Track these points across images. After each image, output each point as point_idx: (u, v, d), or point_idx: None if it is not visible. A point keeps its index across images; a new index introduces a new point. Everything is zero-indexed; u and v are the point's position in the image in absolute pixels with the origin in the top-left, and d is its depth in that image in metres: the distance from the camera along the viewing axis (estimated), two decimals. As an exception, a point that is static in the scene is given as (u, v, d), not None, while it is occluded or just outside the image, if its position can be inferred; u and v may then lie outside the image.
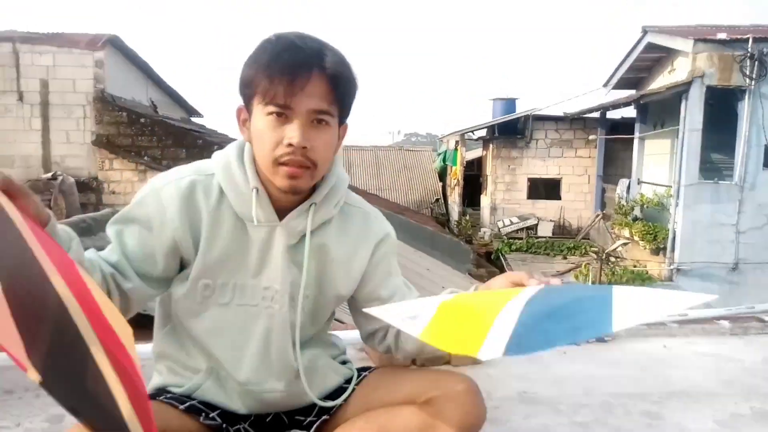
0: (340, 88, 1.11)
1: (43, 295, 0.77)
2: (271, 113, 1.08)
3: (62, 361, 0.76)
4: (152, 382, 1.32)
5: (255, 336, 1.21)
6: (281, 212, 1.18)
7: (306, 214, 1.19)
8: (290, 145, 1.07)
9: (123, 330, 0.80)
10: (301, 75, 1.06)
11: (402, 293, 1.36)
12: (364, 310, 1.17)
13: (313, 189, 1.22)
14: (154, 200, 1.15)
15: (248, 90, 1.12)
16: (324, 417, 1.28)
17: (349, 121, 1.24)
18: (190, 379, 1.26)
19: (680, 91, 10.11)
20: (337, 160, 1.26)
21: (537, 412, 1.76)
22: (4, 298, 0.76)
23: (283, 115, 1.08)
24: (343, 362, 1.39)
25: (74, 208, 8.37)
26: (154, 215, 1.14)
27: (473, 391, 1.25)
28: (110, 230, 1.17)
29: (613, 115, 14.56)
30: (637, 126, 12.66)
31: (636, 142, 12.63)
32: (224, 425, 1.22)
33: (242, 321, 1.20)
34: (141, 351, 1.84)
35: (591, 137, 14.71)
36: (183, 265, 1.20)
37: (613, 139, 14.06)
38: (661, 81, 11.74)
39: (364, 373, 1.35)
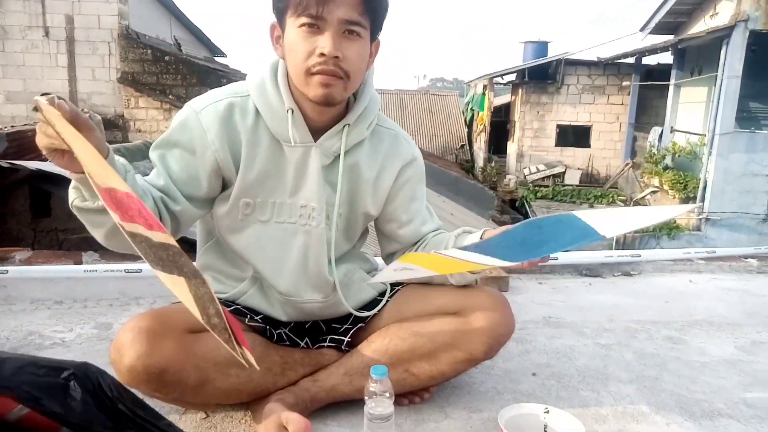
0: None
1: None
2: (303, 24, 1.10)
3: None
4: (197, 291, 1.40)
5: (293, 251, 1.26)
6: (315, 133, 1.21)
7: (340, 135, 1.22)
8: (322, 54, 1.09)
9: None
10: None
11: (422, 218, 1.39)
12: (367, 282, 1.23)
13: (346, 110, 1.25)
14: (194, 123, 1.18)
15: (281, 3, 1.13)
16: (359, 325, 1.35)
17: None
18: (234, 287, 1.33)
19: (721, 36, 9.69)
20: (370, 81, 1.27)
21: (561, 334, 1.82)
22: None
23: (315, 26, 1.09)
24: (377, 277, 1.45)
25: (103, 145, 8.50)
26: (196, 138, 1.18)
27: (502, 303, 1.30)
28: (153, 155, 1.21)
29: (649, 60, 14.07)
30: (673, 72, 12.24)
31: (671, 89, 12.25)
32: (267, 327, 1.30)
33: (281, 237, 1.26)
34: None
35: (624, 83, 14.28)
36: (225, 185, 1.24)
37: (648, 86, 13.63)
38: (702, 26, 11.26)
39: (397, 288, 1.41)
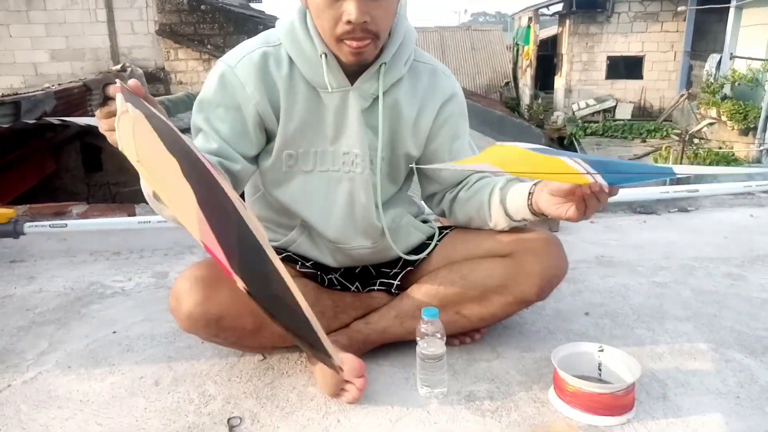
0: None
1: (224, 205, 0.78)
2: None
3: (252, 269, 0.78)
4: (248, 240, 1.42)
5: (339, 199, 1.25)
6: (351, 76, 1.18)
7: (377, 76, 1.18)
8: (349, 22, 1.05)
9: (262, 233, 0.82)
10: None
11: (465, 158, 1.34)
12: (415, 166, 1.16)
13: (381, 48, 1.19)
14: (232, 79, 1.16)
15: None
16: (408, 269, 1.35)
17: (410, 0, 1.18)
18: (285, 234, 1.34)
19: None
20: (402, 14, 1.21)
21: (615, 273, 1.78)
22: (200, 211, 0.76)
23: None
24: (424, 221, 1.44)
25: (146, 99, 8.58)
26: (237, 94, 1.16)
27: (555, 245, 1.27)
28: (198, 119, 1.18)
29: (707, -19, 13.18)
30: (734, -7, 11.43)
31: (731, 11, 11.45)
32: (318, 273, 1.32)
33: (326, 186, 1.25)
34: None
35: (680, 8, 13.44)
36: (268, 138, 1.23)
37: (705, 10, 12.79)
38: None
39: (445, 231, 1.39)
